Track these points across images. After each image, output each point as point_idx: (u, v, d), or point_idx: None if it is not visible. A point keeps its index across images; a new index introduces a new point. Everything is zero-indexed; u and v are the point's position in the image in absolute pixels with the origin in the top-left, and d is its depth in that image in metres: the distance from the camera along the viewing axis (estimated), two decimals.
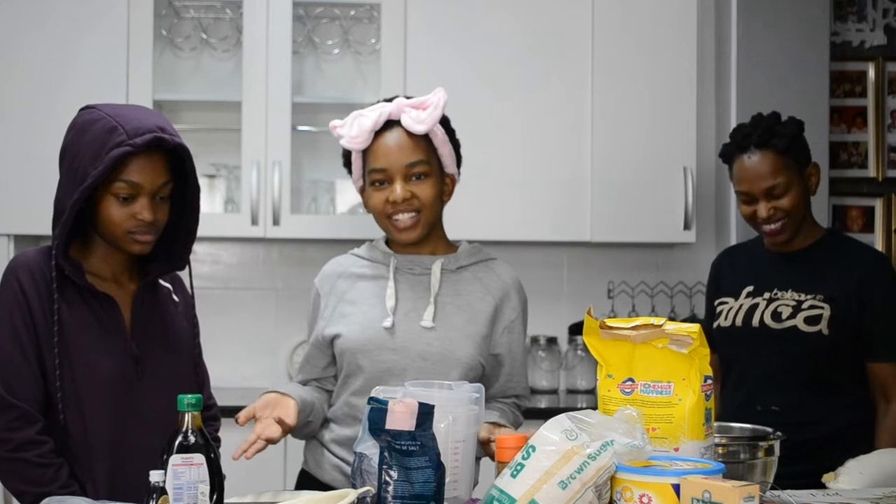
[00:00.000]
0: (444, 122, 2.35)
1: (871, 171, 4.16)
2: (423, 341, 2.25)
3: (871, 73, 4.16)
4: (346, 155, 2.39)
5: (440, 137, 2.33)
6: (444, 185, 2.36)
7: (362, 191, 2.38)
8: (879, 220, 4.14)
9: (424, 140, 2.30)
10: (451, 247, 2.39)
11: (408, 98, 2.35)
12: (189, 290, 2.27)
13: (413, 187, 2.28)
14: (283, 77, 3.68)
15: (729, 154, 2.74)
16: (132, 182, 2.02)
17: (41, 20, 3.64)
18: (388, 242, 2.39)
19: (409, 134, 2.28)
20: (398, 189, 2.26)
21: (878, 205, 4.15)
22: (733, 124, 3.65)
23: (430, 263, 2.32)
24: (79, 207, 2.00)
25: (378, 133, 2.29)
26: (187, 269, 2.20)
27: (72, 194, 2.00)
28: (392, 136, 2.29)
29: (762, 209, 2.65)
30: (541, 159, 3.73)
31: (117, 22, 3.63)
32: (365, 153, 2.32)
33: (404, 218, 2.28)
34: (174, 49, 3.93)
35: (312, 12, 3.92)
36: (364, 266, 2.36)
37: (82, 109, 2.09)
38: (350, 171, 2.40)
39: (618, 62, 3.75)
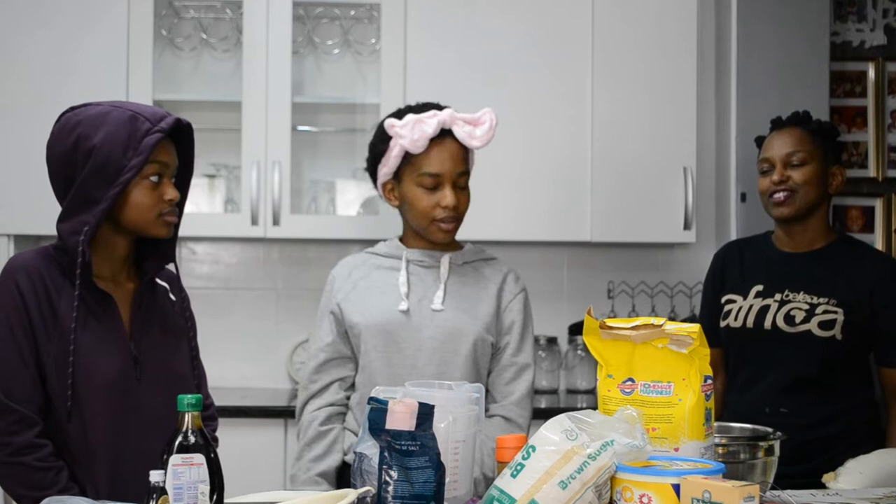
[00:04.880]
0: None
1: (871, 171, 4.16)
2: (434, 323, 2.49)
3: (871, 73, 4.16)
4: (377, 154, 2.55)
5: (473, 155, 2.59)
6: None
7: (386, 184, 2.57)
8: (879, 220, 4.14)
9: (467, 154, 2.56)
10: (458, 246, 2.64)
11: (444, 108, 2.54)
12: (181, 286, 2.27)
13: (458, 195, 2.53)
14: (283, 77, 3.68)
15: (763, 139, 2.82)
16: (163, 162, 2.07)
17: (41, 20, 3.63)
18: (401, 239, 2.63)
19: (460, 145, 2.52)
20: (449, 196, 2.51)
21: (878, 205, 4.14)
22: (733, 124, 3.66)
23: (439, 257, 2.58)
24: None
25: (432, 140, 2.49)
26: (180, 264, 2.20)
27: (105, 186, 2.00)
28: (447, 146, 2.51)
29: (776, 174, 2.71)
30: (541, 159, 3.73)
31: (117, 22, 3.63)
32: (414, 155, 2.51)
33: (448, 222, 2.53)
34: (174, 49, 3.93)
35: (312, 12, 3.92)
36: (379, 259, 2.61)
37: (63, 114, 2.09)
38: (372, 165, 2.57)
39: (618, 62, 3.75)
